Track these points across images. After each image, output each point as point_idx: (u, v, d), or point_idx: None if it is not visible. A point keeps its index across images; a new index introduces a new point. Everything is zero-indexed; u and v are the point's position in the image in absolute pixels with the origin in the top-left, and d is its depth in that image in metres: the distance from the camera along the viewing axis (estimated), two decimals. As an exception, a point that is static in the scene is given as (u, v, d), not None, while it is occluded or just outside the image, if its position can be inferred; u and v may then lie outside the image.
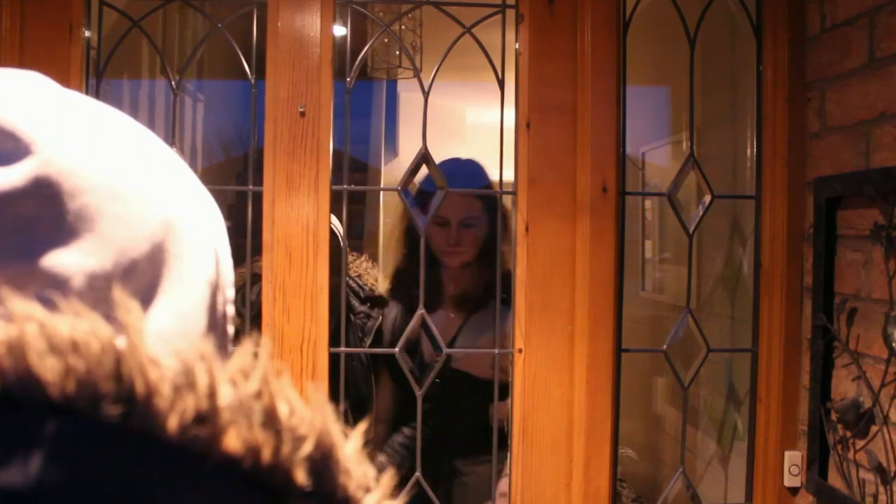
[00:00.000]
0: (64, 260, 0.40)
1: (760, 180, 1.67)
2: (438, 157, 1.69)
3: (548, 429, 1.61)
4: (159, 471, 0.34)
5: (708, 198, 1.70)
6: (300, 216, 1.55)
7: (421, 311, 1.66)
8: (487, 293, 1.92)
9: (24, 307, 0.34)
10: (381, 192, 4.61)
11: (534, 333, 1.60)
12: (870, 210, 1.37)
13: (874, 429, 1.36)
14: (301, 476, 0.35)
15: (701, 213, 1.70)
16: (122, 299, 0.36)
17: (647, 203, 2.72)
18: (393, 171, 5.54)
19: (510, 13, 1.63)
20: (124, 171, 0.45)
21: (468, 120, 6.49)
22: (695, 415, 2.15)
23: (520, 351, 1.60)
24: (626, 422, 1.76)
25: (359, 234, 4.32)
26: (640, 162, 2.62)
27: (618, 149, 1.63)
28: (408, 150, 5.67)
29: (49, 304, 0.36)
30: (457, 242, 1.91)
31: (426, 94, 1.63)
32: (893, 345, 1.29)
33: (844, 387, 1.47)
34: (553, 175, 1.60)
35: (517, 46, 1.62)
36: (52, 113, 0.43)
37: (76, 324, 0.34)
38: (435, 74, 1.65)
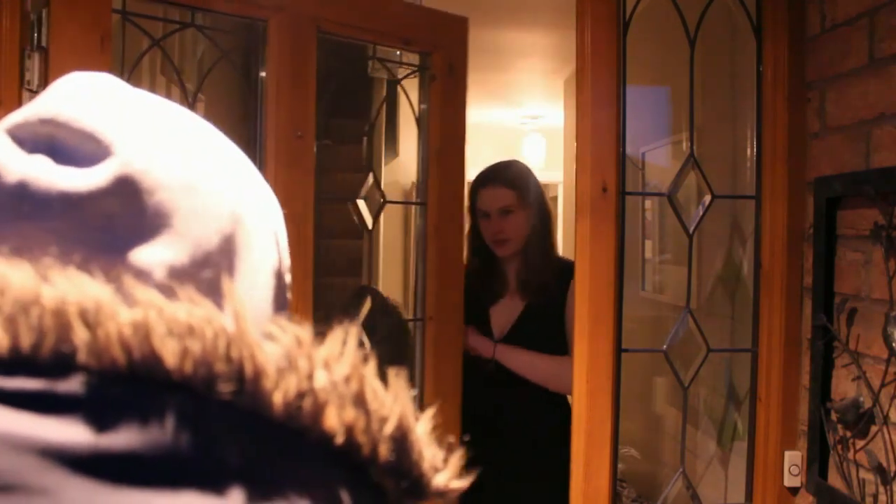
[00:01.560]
0: (145, 254, 0.43)
1: (760, 180, 1.67)
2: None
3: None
4: (269, 446, 0.38)
5: (708, 198, 1.70)
6: (294, 217, 1.65)
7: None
8: (545, 280, 2.16)
9: (147, 294, 0.38)
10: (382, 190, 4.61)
11: (437, 304, 2.04)
12: (870, 210, 1.37)
13: (874, 429, 1.36)
14: (386, 453, 0.39)
15: (701, 213, 1.70)
16: (227, 287, 0.40)
17: (647, 203, 2.72)
18: (393, 171, 5.53)
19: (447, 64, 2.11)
20: (194, 165, 0.47)
21: (469, 119, 6.49)
22: (695, 415, 2.15)
23: (430, 318, 1.98)
24: (626, 422, 1.76)
25: (358, 235, 4.33)
26: (640, 162, 2.62)
27: (618, 149, 1.63)
28: (408, 149, 5.66)
29: (167, 292, 0.40)
30: (500, 230, 2.15)
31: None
32: (893, 345, 1.29)
33: (844, 387, 1.47)
34: (451, 190, 2.06)
35: (423, 107, 2.09)
36: (125, 112, 0.46)
37: (192, 310, 0.38)
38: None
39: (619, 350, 1.62)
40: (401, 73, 2.13)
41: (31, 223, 0.41)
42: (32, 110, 0.45)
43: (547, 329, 2.14)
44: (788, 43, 1.63)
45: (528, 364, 2.11)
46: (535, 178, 2.25)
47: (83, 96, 0.46)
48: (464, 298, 2.26)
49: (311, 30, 1.75)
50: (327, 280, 2.35)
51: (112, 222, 0.43)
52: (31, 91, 1.43)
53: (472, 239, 2.29)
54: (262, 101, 1.72)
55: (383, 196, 2.08)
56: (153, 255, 0.43)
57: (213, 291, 0.45)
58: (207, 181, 0.47)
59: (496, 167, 2.27)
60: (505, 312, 2.21)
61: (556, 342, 2.10)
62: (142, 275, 0.43)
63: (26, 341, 0.36)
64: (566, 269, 2.08)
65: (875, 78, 1.39)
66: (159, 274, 0.43)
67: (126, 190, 0.43)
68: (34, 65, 1.44)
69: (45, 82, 1.42)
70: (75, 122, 0.44)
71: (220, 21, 1.75)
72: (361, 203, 2.03)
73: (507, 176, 2.20)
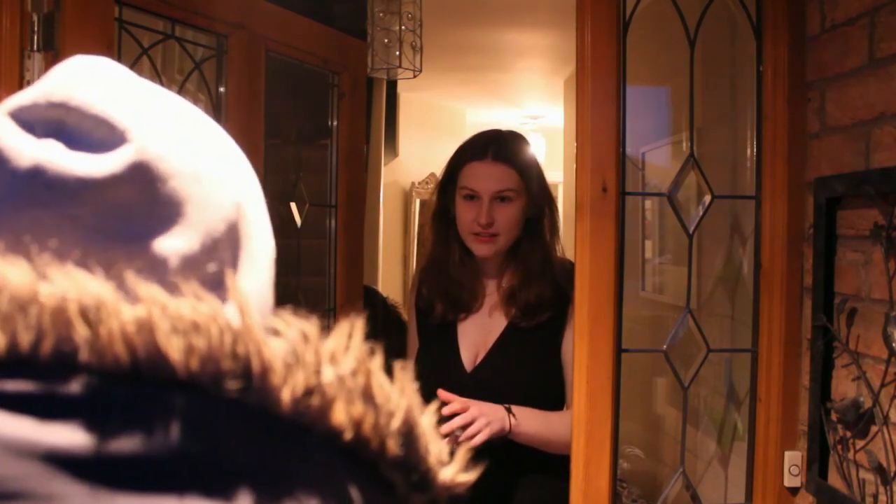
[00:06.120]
0: (162, 243, 0.43)
1: (760, 180, 1.67)
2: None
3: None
4: (277, 444, 0.37)
5: (708, 198, 1.70)
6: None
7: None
8: (540, 294, 1.68)
9: (150, 290, 0.37)
10: (382, 190, 4.62)
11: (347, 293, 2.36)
12: (870, 210, 1.37)
13: (874, 429, 1.36)
14: (394, 447, 0.39)
15: (701, 213, 1.70)
16: (231, 282, 0.40)
17: (647, 203, 2.72)
18: (393, 170, 5.53)
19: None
20: (200, 155, 0.46)
21: (468, 119, 6.50)
22: (695, 415, 2.15)
23: (341, 306, 2.26)
24: (626, 422, 1.76)
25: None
26: (640, 162, 2.62)
27: (618, 149, 1.63)
28: (408, 149, 5.66)
29: (171, 286, 0.39)
30: (491, 221, 1.64)
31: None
32: (893, 345, 1.29)
33: (844, 387, 1.47)
34: (357, 193, 2.46)
35: (335, 122, 2.43)
36: (132, 97, 0.45)
37: (196, 306, 0.37)
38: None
39: (619, 350, 1.62)
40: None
41: (47, 211, 0.40)
42: (38, 93, 0.43)
43: (535, 359, 1.71)
44: (788, 43, 1.63)
45: (545, 427, 1.61)
46: (535, 156, 1.76)
47: (90, 80, 0.44)
48: (418, 303, 1.81)
49: (262, 48, 2.06)
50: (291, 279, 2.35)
51: (128, 210, 0.42)
52: (31, 91, 1.43)
53: (438, 224, 1.74)
54: (224, 112, 1.97)
55: (305, 198, 2.41)
56: (168, 243, 0.43)
57: (220, 281, 0.45)
58: (212, 170, 0.47)
59: (494, 137, 1.71)
60: (478, 331, 1.71)
61: (548, 376, 1.70)
62: (158, 263, 0.42)
63: (25, 341, 0.34)
64: (567, 278, 1.65)
65: (875, 78, 1.39)
66: (174, 262, 0.43)
67: (141, 177, 0.42)
68: (34, 65, 1.44)
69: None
70: (87, 106, 0.43)
71: (198, 37, 1.98)
72: (293, 204, 2.35)
73: (512, 151, 1.69)
